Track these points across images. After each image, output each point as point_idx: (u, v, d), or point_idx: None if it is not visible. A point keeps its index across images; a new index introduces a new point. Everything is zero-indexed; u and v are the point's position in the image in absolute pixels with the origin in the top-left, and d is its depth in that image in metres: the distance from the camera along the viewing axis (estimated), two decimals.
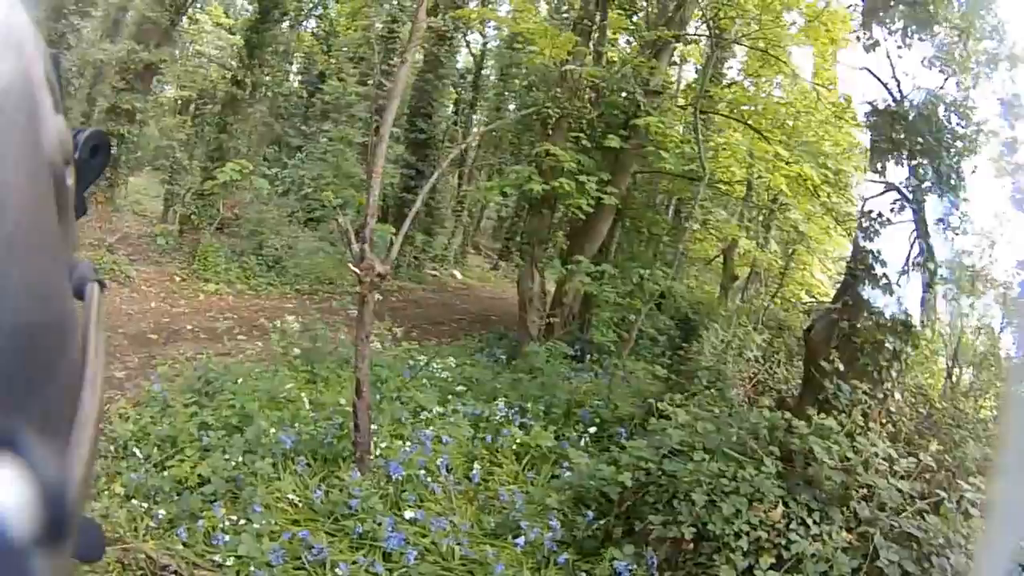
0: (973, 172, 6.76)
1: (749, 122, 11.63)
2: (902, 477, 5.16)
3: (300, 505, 5.11)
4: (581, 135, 10.59)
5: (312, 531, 4.70)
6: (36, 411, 0.33)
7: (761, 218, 13.00)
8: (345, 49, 20.52)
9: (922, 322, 6.60)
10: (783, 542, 4.61)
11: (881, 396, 6.40)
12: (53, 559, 0.30)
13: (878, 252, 6.49)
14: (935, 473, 5.69)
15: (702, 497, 4.82)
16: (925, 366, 11.59)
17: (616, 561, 4.66)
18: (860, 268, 6.60)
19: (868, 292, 6.42)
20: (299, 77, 23.30)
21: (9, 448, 0.29)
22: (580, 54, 10.90)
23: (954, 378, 11.03)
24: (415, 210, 6.90)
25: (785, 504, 4.89)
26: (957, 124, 6.56)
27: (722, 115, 12.09)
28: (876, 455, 5.24)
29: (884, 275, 6.39)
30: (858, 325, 6.40)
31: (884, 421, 6.80)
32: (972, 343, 11.97)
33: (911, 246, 6.43)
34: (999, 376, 10.43)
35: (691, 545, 4.76)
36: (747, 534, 4.65)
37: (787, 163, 10.32)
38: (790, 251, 12.68)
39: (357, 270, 5.68)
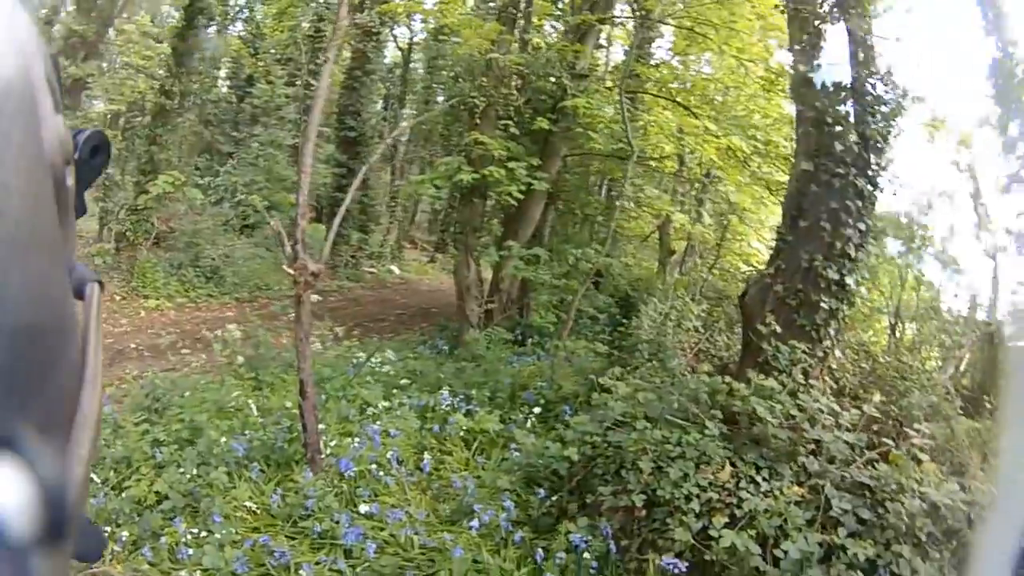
0: (897, 136, 6.91)
1: (678, 99, 11.81)
2: (848, 430, 5.28)
3: (259, 511, 5.10)
4: (509, 122, 10.64)
5: (273, 536, 4.71)
6: (36, 411, 0.33)
7: (694, 192, 13.20)
8: (273, 51, 20.24)
9: (856, 281, 6.73)
10: (735, 501, 4.70)
11: (821, 354, 6.52)
12: (53, 559, 0.30)
13: (811, 213, 6.60)
14: (883, 424, 5.88)
15: (649, 464, 4.92)
16: (868, 323, 11.98)
17: (571, 535, 4.72)
18: (792, 232, 6.73)
19: (801, 255, 6.52)
20: (228, 83, 22.83)
21: (9, 448, 0.29)
22: (506, 42, 10.95)
23: (898, 333, 11.34)
24: (344, 207, 6.87)
25: (733, 464, 5.00)
26: (883, 91, 6.73)
27: (650, 94, 12.23)
28: (821, 411, 5.36)
29: (821, 236, 6.48)
30: (792, 287, 6.52)
31: (828, 378, 6.98)
32: (914, 299, 12.34)
33: (842, 208, 6.56)
34: (942, 329, 10.75)
35: (643, 512, 4.84)
36: (697, 496, 4.74)
37: (716, 136, 10.53)
38: (725, 223, 12.91)
39: (291, 271, 5.64)
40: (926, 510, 4.68)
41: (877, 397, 6.63)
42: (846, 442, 5.17)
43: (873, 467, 5.00)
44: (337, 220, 6.56)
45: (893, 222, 12.91)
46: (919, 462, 5.16)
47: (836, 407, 5.49)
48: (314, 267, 5.66)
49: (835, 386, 7.03)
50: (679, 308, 9.57)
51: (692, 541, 4.51)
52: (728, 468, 4.95)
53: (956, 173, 13.71)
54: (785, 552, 4.34)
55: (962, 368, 9.95)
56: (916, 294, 12.49)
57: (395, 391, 7.50)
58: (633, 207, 12.77)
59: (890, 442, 5.35)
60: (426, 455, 6.06)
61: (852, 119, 6.56)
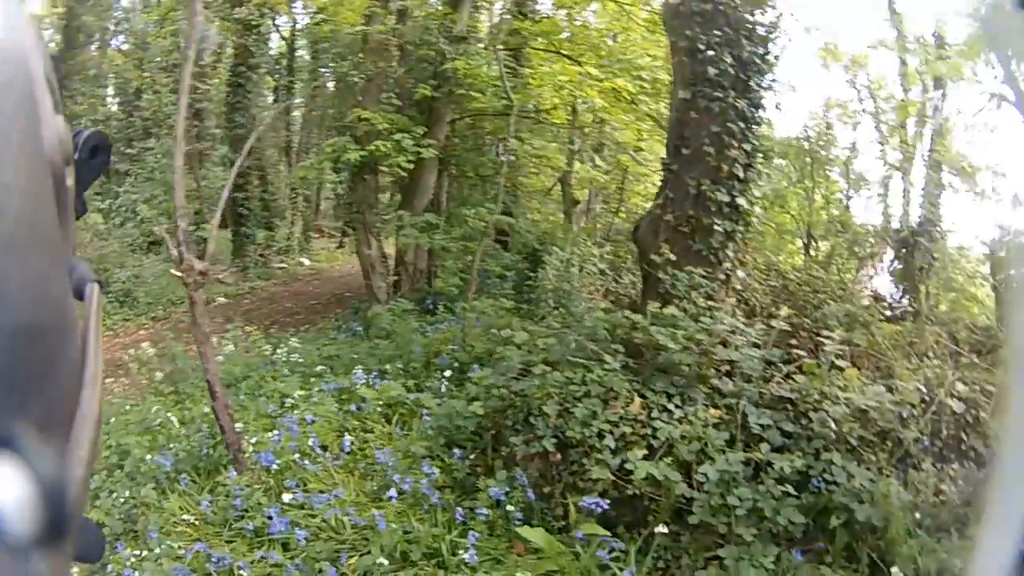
0: (777, 58, 7.01)
1: (561, 51, 11.85)
2: (757, 346, 5.39)
3: (196, 521, 5.05)
4: (391, 95, 10.56)
5: (213, 541, 4.69)
6: (36, 411, 0.33)
7: (590, 141, 13.27)
8: (158, 60, 19.51)
9: (749, 201, 6.82)
10: (649, 432, 4.75)
11: (723, 276, 6.65)
12: (53, 559, 0.30)
13: (694, 140, 6.65)
14: (799, 337, 5.98)
15: (554, 408, 4.95)
16: (781, 246, 12.33)
17: (491, 489, 4.76)
18: (676, 161, 6.79)
19: (688, 182, 6.59)
20: (116, 99, 21.95)
21: (9, 448, 0.29)
22: (380, 15, 10.85)
23: (812, 252, 11.68)
24: (222, 203, 6.76)
25: (643, 396, 5.05)
26: (758, 14, 6.81)
27: (533, 48, 12.24)
28: (731, 331, 5.46)
29: (706, 161, 6.55)
30: (683, 215, 6.59)
31: (734, 299, 7.11)
32: (823, 217, 12.70)
33: (724, 131, 6.61)
34: (854, 242, 11.09)
35: (559, 456, 4.87)
36: (611, 432, 4.76)
37: (600, 80, 10.63)
38: (624, 167, 13.04)
39: (178, 273, 5.54)
40: (853, 415, 4.77)
41: (784, 311, 6.80)
42: (758, 358, 5.24)
43: (792, 380, 5.10)
44: (216, 216, 6.46)
45: (792, 146, 13.31)
46: (840, 369, 5.29)
47: (741, 325, 5.59)
48: (201, 266, 5.56)
49: (746, 307, 7.20)
50: (580, 252, 9.68)
51: (612, 478, 4.54)
52: (638, 400, 5.00)
53: (854, 92, 14.15)
54: (706, 476, 4.38)
55: (878, 275, 10.33)
56: (825, 213, 12.88)
57: (313, 379, 7.46)
58: (532, 162, 12.80)
59: (804, 353, 5.46)
60: (347, 436, 6.03)
61: (725, 45, 6.59)
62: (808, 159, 13.07)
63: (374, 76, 10.55)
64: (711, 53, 6.55)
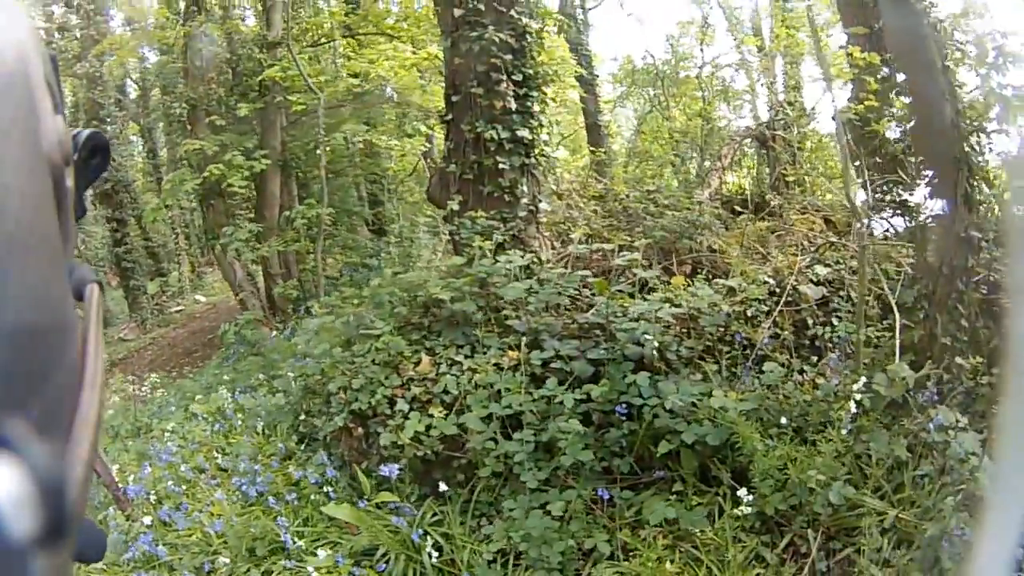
0: None
1: (392, 33, 11.80)
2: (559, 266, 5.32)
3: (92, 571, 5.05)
4: (215, 117, 10.53)
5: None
6: (36, 411, 0.33)
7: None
8: None
9: (532, 130, 6.62)
10: (441, 388, 4.63)
11: (525, 213, 6.51)
12: (53, 559, 0.30)
13: (462, 84, 6.56)
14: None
15: (339, 384, 4.90)
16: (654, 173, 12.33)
17: (298, 473, 4.81)
18: (451, 110, 6.71)
19: (463, 127, 6.48)
20: None
21: (9, 448, 0.29)
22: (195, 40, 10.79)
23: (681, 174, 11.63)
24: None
25: (432, 353, 4.96)
26: None
27: (364, 34, 12.17)
28: (529, 266, 5.35)
29: (476, 102, 6.44)
30: (466, 162, 6.48)
31: (555, 233, 7.15)
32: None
33: (490, 67, 6.42)
34: (719, 151, 11.10)
35: (360, 430, 4.80)
36: (402, 397, 4.66)
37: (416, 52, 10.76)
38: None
39: None
40: (683, 328, 4.83)
41: (579, 234, 6.82)
42: (544, 290, 5.11)
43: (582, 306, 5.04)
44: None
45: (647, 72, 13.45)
46: (644, 283, 5.26)
47: (521, 259, 5.41)
48: None
49: (569, 240, 7.00)
50: (407, 225, 9.70)
51: (408, 441, 4.41)
52: (426, 359, 4.89)
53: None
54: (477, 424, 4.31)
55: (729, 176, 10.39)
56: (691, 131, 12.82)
57: (189, 409, 7.53)
58: (390, 145, 12.72)
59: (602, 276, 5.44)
60: (216, 454, 6.15)
61: None
62: (660, 81, 13.25)
63: (197, 103, 10.48)
64: None
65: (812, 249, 6.51)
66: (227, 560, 4.46)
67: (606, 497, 4.03)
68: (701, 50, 13.74)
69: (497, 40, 6.38)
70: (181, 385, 8.81)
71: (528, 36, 6.66)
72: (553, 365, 4.57)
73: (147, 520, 5.14)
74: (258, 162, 9.86)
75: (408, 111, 11.23)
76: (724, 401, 4.11)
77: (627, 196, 8.14)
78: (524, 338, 4.82)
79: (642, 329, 4.58)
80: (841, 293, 5.71)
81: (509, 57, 6.45)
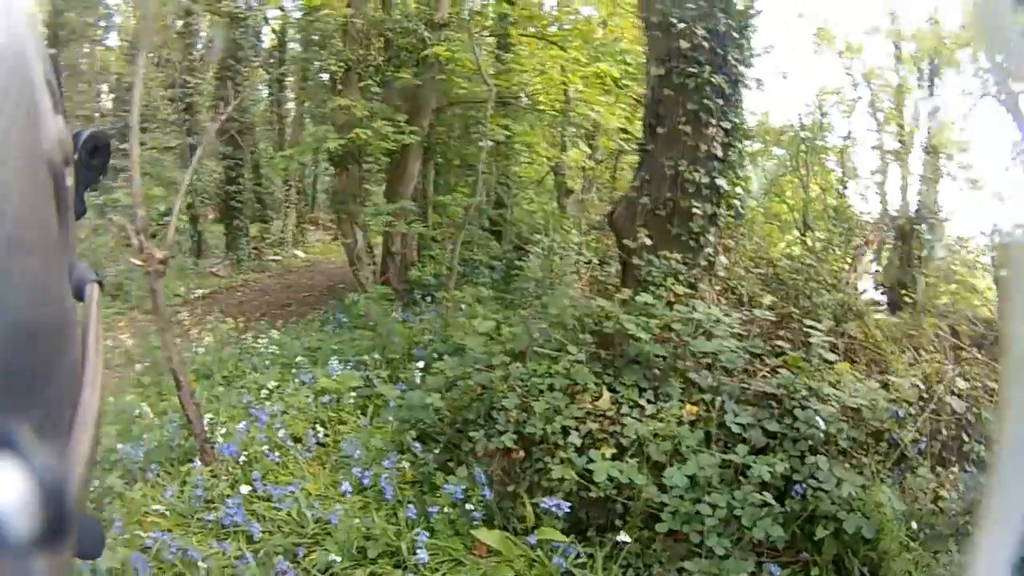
0: (755, 31, 6.77)
1: (547, 37, 11.69)
2: (739, 337, 5.04)
3: (167, 512, 4.90)
4: (370, 82, 10.47)
5: (175, 532, 4.54)
6: (36, 411, 0.33)
7: (581, 127, 13.07)
8: (150, 55, 19.46)
9: (730, 182, 6.45)
10: (618, 429, 4.45)
11: (705, 263, 6.30)
12: (53, 558, 0.30)
13: (669, 119, 6.39)
14: (787, 327, 5.68)
15: (514, 402, 4.69)
16: (777, 236, 12.12)
17: (448, 486, 4.53)
18: (652, 141, 6.53)
19: (664, 163, 6.31)
20: (112, 95, 21.94)
21: (9, 447, 0.28)
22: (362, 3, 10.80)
23: (809, 240, 11.45)
24: (183, 191, 6.67)
25: (613, 390, 4.76)
26: None
27: (521, 36, 12.07)
28: (716, 322, 5.08)
29: (683, 140, 6.28)
30: (660, 197, 6.31)
31: (722, 288, 6.84)
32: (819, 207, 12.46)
33: (701, 108, 6.35)
34: (851, 233, 10.88)
35: (521, 454, 4.60)
36: (576, 429, 4.48)
37: (584, 66, 10.49)
38: (614, 153, 12.85)
39: (139, 261, 5.48)
40: (843, 414, 4.50)
41: (768, 299, 6.57)
42: (740, 350, 4.91)
43: (778, 375, 4.78)
44: (178, 202, 6.36)
45: (787, 134, 13.14)
46: (830, 364, 5.00)
47: (719, 314, 5.20)
48: (160, 254, 5.50)
49: (732, 296, 6.86)
50: (560, 241, 9.54)
51: (576, 478, 4.26)
52: (607, 395, 4.71)
53: (849, 79, 13.94)
54: (671, 480, 4.12)
55: (875, 265, 10.08)
56: (821, 203, 12.62)
57: (293, 371, 7.38)
58: (524, 151, 12.65)
59: (786, 345, 5.20)
60: (320, 428, 5.95)
61: (700, 19, 6.28)
62: (803, 147, 12.88)
63: (353, 65, 10.42)
64: (682, 26, 6.25)
65: (953, 360, 6.13)
66: (334, 556, 4.17)
67: (776, 574, 3.96)
68: (848, 117, 13.38)
69: (713, 82, 6.20)
70: (279, 340, 8.63)
71: (743, 86, 6.51)
72: (733, 430, 4.43)
73: (244, 489, 4.95)
74: (407, 136, 9.72)
75: (574, 121, 11.07)
76: (883, 496, 4.07)
77: (782, 262, 7.84)
78: (706, 395, 4.60)
79: (819, 409, 4.42)
80: (974, 410, 5.40)
81: (720, 102, 6.26)
